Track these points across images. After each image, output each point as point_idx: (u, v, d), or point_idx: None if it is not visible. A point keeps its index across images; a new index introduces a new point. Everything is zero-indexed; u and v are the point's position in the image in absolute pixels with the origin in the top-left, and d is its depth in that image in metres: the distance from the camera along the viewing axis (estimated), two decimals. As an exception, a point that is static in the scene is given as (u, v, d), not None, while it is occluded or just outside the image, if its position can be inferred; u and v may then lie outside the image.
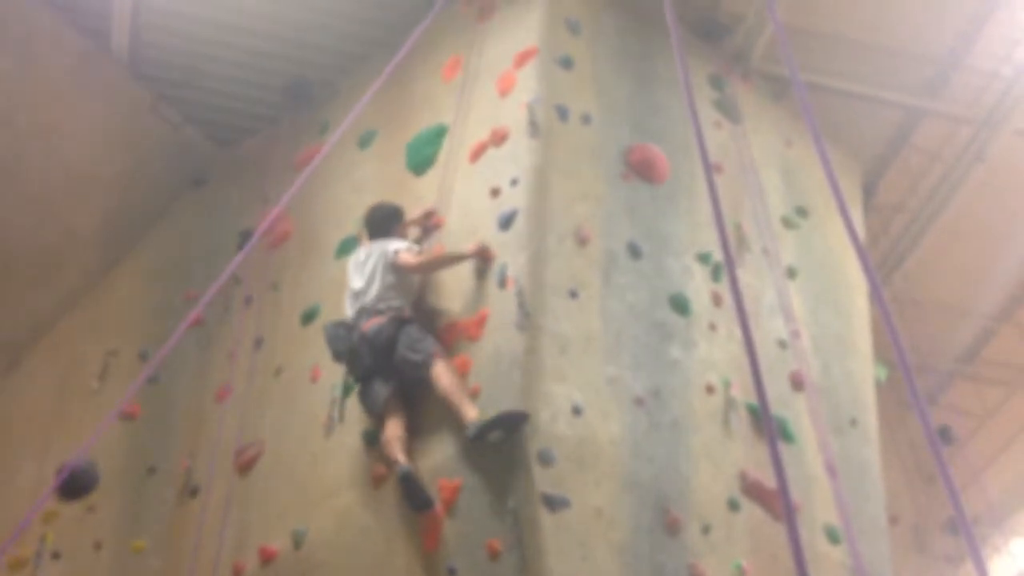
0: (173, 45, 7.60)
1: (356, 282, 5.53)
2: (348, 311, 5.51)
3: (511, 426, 4.71)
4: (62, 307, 8.45)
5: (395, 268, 5.42)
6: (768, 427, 2.66)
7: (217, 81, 7.86)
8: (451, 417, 4.95)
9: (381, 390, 5.21)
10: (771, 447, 2.59)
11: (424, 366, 5.07)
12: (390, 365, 5.20)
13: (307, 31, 7.54)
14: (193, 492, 6.34)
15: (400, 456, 4.94)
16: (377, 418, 5.25)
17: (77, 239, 8.27)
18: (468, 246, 5.45)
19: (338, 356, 5.45)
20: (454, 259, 5.49)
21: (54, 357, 8.32)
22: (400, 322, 5.29)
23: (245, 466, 6.09)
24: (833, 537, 5.60)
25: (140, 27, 7.48)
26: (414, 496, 4.83)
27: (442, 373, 5.01)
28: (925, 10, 7.51)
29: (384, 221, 5.80)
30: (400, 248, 5.52)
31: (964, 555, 9.74)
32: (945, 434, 9.40)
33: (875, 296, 3.07)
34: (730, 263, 3.08)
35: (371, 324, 5.30)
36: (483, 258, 5.41)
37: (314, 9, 7.41)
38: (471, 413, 4.78)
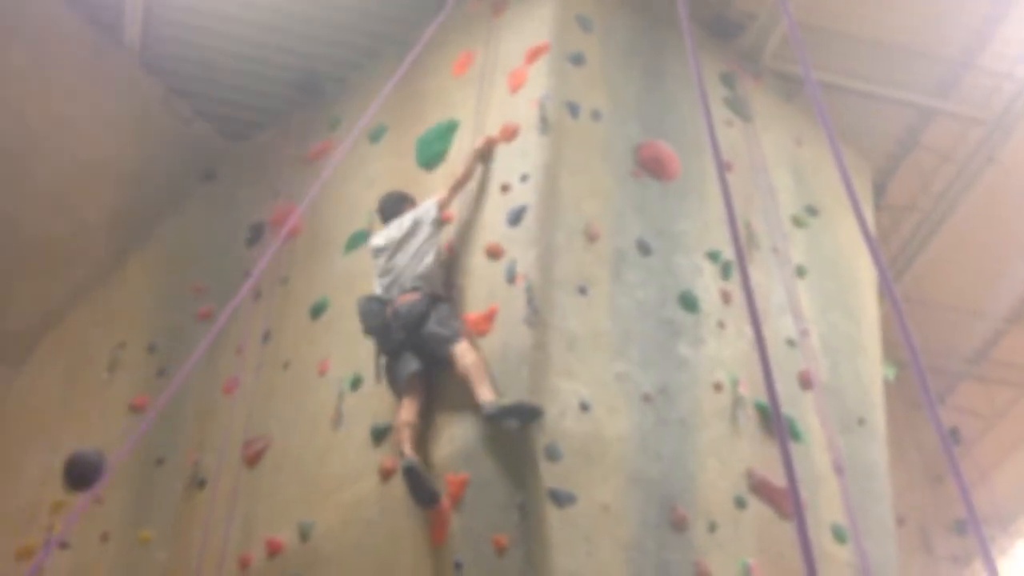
0: (184, 39, 7.62)
1: (388, 259, 5.56)
2: (379, 288, 5.53)
3: (526, 417, 4.73)
4: (72, 299, 8.48)
5: (436, 222, 5.56)
6: (779, 427, 2.65)
7: (228, 75, 7.88)
8: (459, 411, 4.97)
9: (409, 364, 5.20)
10: (781, 446, 2.58)
11: (450, 341, 5.10)
12: (420, 341, 5.21)
13: (317, 26, 7.55)
14: (201, 484, 6.36)
15: (407, 448, 4.94)
16: (397, 394, 5.25)
17: (87, 232, 8.29)
18: (477, 144, 5.80)
19: (369, 331, 5.44)
20: (473, 163, 5.79)
21: (63, 349, 8.35)
22: (433, 299, 5.33)
23: (253, 459, 6.11)
24: (840, 536, 5.59)
25: (152, 21, 7.49)
26: (419, 490, 4.84)
27: (466, 351, 5.05)
28: (938, 10, 7.49)
29: (397, 205, 5.95)
30: (428, 205, 5.64)
31: (971, 556, 9.72)
32: (953, 435, 9.39)
33: (887, 294, 3.05)
34: (742, 262, 3.06)
35: (405, 299, 5.33)
36: (490, 146, 5.81)
37: (324, 4, 7.42)
38: (489, 394, 4.81)
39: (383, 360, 5.41)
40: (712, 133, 3.48)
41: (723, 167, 3.31)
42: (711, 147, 3.42)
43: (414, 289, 5.36)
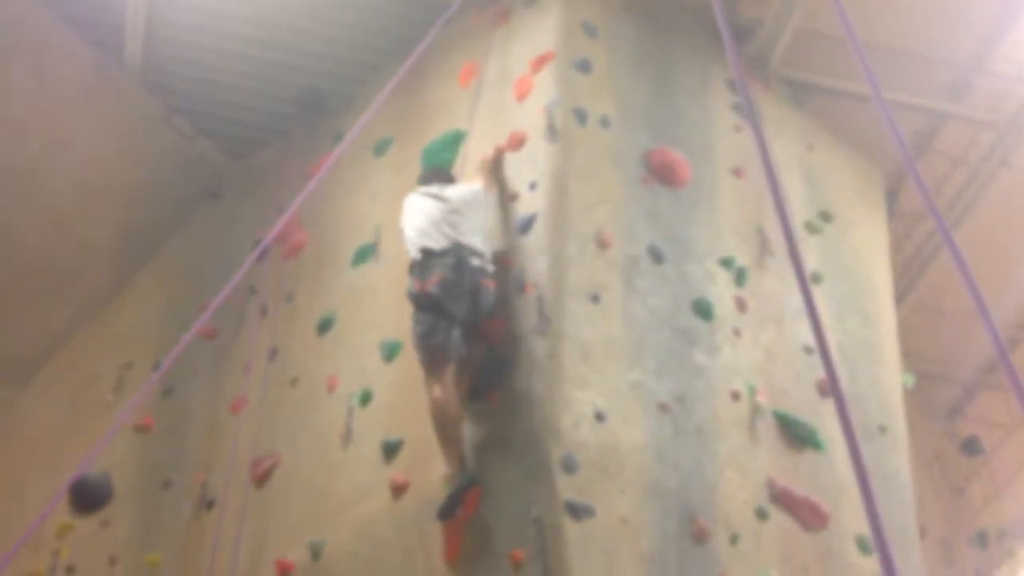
0: (186, 58, 7.56)
1: (451, 212, 5.19)
2: (436, 235, 5.11)
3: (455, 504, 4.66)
4: (77, 321, 8.40)
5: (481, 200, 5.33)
6: (852, 447, 2.32)
7: (230, 93, 7.81)
8: (470, 423, 4.87)
9: (460, 345, 4.91)
10: (855, 461, 2.29)
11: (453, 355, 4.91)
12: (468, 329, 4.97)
13: (320, 42, 7.49)
14: (209, 505, 6.26)
15: (463, 455, 4.76)
16: (440, 360, 4.86)
17: (91, 252, 8.22)
18: (487, 157, 5.65)
19: (457, 284, 4.93)
20: (492, 174, 5.61)
21: (69, 371, 8.27)
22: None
23: (261, 478, 6.01)
24: (864, 547, 5.47)
25: (153, 40, 7.44)
26: (453, 504, 4.65)
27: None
28: (948, 14, 7.41)
29: (444, 174, 5.69)
30: (476, 188, 5.38)
31: (992, 568, 9.55)
32: (973, 444, 9.26)
33: (945, 239, 2.75)
34: (799, 267, 2.79)
35: (490, 285, 5.06)
36: (499, 156, 5.68)
37: (327, 20, 7.36)
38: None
39: (423, 317, 4.94)
40: (764, 149, 3.14)
41: (776, 178, 3.02)
42: (762, 162, 3.11)
43: (494, 279, 5.08)
